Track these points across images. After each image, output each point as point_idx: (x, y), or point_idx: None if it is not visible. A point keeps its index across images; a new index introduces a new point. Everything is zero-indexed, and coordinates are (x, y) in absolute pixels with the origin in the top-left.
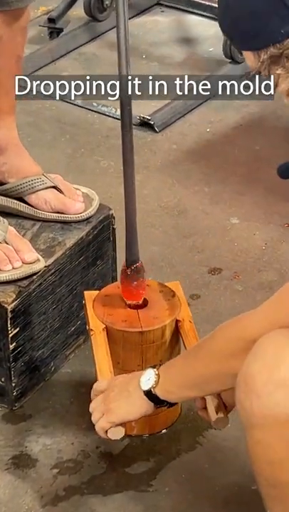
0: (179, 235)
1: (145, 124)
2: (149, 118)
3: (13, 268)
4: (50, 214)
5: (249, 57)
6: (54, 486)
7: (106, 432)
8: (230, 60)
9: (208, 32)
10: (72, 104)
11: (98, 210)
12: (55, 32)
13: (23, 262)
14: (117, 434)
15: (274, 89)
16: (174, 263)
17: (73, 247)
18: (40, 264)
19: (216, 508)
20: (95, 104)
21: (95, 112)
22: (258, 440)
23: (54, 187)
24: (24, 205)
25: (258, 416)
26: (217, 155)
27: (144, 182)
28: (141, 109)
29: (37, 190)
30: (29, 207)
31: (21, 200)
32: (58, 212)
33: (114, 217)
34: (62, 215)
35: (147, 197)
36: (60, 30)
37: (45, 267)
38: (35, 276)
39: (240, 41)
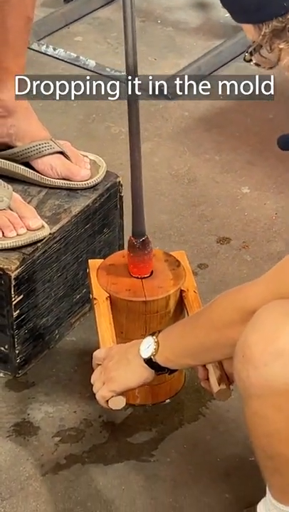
0: (188, 204)
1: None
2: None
3: (17, 235)
4: (56, 180)
5: (249, 30)
6: (55, 455)
7: (107, 401)
8: None
9: None
10: (84, 69)
11: (106, 177)
12: None
13: (27, 229)
14: (117, 403)
15: (276, 63)
16: (183, 231)
17: (79, 214)
18: (45, 231)
19: (216, 480)
20: (107, 69)
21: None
22: (256, 411)
23: (61, 153)
24: (31, 171)
25: (255, 386)
26: (229, 123)
27: (155, 149)
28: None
29: (44, 155)
30: (35, 173)
31: (27, 165)
32: (64, 179)
33: (121, 185)
34: (68, 182)
35: (158, 165)
36: None
37: (50, 234)
38: (39, 244)
39: (241, 14)
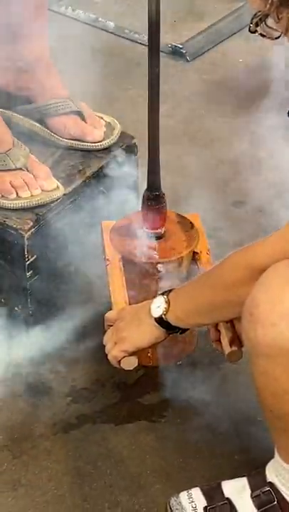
0: (205, 167)
1: (176, 53)
2: (181, 46)
3: (31, 195)
4: (71, 141)
5: (254, 0)
6: (67, 414)
7: (119, 362)
8: None
9: None
10: (103, 30)
11: (121, 139)
12: None
13: (42, 190)
14: (129, 364)
15: (285, 33)
16: (199, 194)
17: (93, 175)
18: (59, 192)
19: (225, 441)
20: (126, 30)
21: (126, 38)
22: (264, 371)
23: (78, 112)
24: (47, 130)
25: (263, 345)
26: (248, 86)
27: (173, 111)
28: (173, 37)
29: (60, 114)
30: (51, 133)
31: (43, 122)
32: (77, 140)
33: (136, 147)
34: (82, 143)
35: (174, 127)
36: None
37: (64, 194)
38: (53, 204)
39: None
